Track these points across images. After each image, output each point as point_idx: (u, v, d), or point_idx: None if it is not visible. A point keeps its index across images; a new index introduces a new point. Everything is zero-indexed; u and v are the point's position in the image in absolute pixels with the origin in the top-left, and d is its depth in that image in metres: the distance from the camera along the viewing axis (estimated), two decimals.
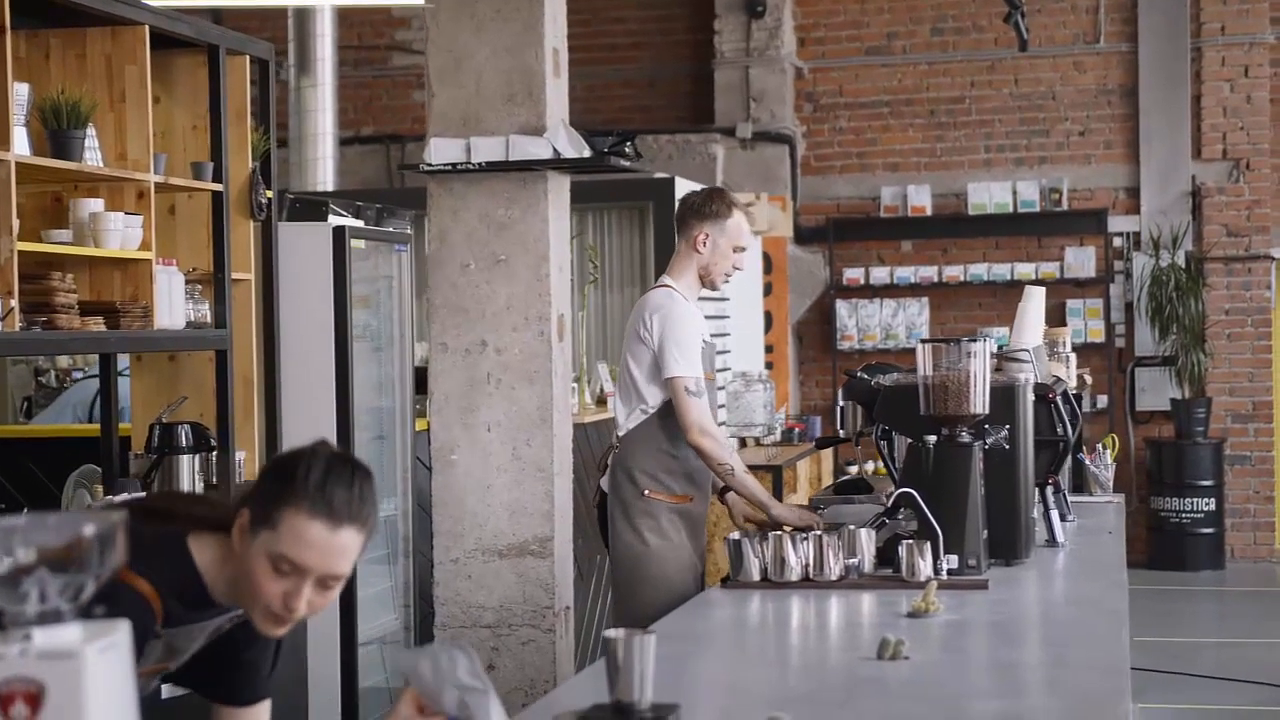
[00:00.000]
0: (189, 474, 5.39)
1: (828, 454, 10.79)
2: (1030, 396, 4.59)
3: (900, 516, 4.36)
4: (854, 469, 10.41)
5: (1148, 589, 11.11)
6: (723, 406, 9.75)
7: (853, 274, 12.53)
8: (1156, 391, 12.18)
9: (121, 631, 1.80)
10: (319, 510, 2.50)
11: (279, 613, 2.55)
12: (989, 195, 12.36)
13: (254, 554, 2.52)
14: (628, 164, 5.61)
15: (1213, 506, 11.86)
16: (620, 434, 5.17)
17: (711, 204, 5.18)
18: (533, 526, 5.38)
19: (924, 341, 4.37)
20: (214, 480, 5.55)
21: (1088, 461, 6.20)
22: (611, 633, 2.65)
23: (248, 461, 5.79)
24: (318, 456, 2.55)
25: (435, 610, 5.50)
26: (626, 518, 5.08)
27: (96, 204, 5.05)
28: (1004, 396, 4.44)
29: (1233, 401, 12.19)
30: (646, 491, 5.07)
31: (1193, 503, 11.83)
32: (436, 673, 2.36)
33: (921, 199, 12.48)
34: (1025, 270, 12.18)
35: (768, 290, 11.98)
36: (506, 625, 5.41)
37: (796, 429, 10.54)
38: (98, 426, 5.81)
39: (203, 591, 2.63)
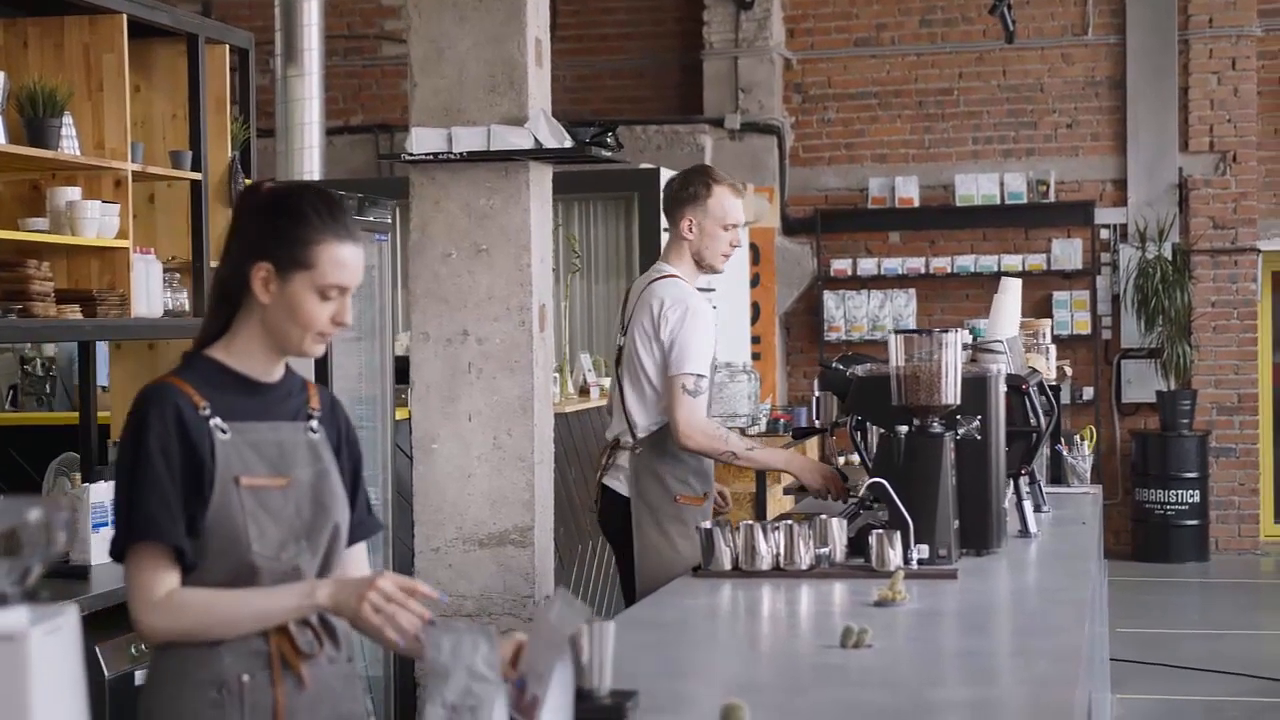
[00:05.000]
0: None
1: (816, 444, 10.81)
2: (1002, 387, 4.59)
3: (875, 506, 4.38)
4: (843, 460, 10.41)
5: (1132, 580, 11.14)
6: None
7: (840, 265, 12.55)
8: (1142, 383, 12.20)
9: (69, 615, 1.82)
10: (343, 236, 2.80)
11: (326, 331, 2.82)
12: (976, 187, 12.37)
13: (295, 294, 2.78)
14: (609, 154, 5.60)
15: (1197, 498, 11.88)
16: (639, 434, 5.00)
17: (689, 187, 5.03)
18: (513, 516, 5.38)
19: (897, 332, 4.38)
20: None
21: (1065, 453, 6.21)
22: None
23: None
24: (309, 193, 2.83)
25: None
26: (656, 522, 4.96)
27: (74, 192, 5.06)
28: (976, 387, 4.44)
29: (1218, 394, 12.21)
30: (678, 497, 4.97)
31: (1177, 495, 11.85)
32: (455, 652, 2.36)
33: (909, 190, 12.49)
34: (1012, 262, 12.19)
35: (755, 281, 12.00)
36: (487, 614, 5.42)
37: (783, 419, 10.55)
38: (77, 415, 5.82)
39: (243, 379, 2.82)
